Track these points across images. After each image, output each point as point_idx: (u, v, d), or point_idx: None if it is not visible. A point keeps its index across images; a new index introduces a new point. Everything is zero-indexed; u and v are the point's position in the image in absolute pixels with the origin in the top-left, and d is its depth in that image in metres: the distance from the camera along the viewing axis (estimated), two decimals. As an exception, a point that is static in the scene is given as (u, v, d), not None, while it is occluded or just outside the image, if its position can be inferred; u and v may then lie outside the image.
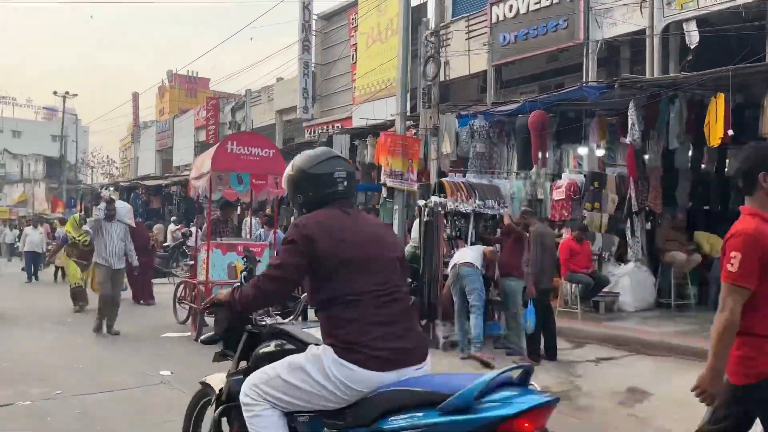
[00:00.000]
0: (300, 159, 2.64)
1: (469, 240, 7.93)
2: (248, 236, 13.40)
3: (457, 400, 2.03)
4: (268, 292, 2.48)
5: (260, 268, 3.03)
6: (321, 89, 23.18)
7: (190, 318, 9.04)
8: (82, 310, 10.77)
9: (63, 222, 20.90)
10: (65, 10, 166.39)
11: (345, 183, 2.56)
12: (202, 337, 3.22)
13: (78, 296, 10.98)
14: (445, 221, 7.80)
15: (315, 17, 22.87)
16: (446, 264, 7.65)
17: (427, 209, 7.70)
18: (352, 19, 21.43)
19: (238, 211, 15.85)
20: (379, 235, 2.59)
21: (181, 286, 9.50)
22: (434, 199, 7.61)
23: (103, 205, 8.64)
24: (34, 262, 16.81)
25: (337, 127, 20.19)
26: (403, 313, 2.45)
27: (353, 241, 2.43)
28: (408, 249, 9.30)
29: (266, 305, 2.83)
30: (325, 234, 2.41)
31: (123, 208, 8.88)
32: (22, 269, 17.37)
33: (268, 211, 15.73)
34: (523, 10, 15.09)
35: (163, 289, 12.07)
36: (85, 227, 9.29)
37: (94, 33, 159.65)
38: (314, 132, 22.14)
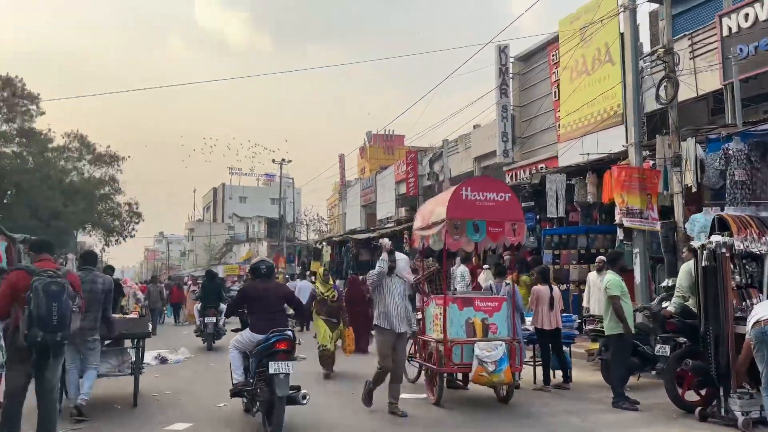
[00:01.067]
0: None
1: (766, 289, 6.20)
2: (465, 286, 12.68)
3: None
4: None
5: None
6: (521, 131, 22.20)
7: (422, 377, 8.41)
8: (329, 378, 9.54)
9: (291, 278, 22.27)
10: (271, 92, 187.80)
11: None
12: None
13: (326, 360, 9.56)
14: (732, 266, 6.20)
15: (512, 60, 22.14)
16: (738, 319, 6.03)
17: (705, 252, 6.19)
18: (553, 55, 20.32)
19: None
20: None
21: (410, 342, 8.92)
22: (716, 238, 6.08)
23: (385, 255, 6.95)
24: None
25: (542, 167, 18.94)
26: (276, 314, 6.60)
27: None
28: (675, 300, 7.72)
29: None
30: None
31: (402, 260, 7.23)
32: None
33: (475, 260, 14.90)
34: (763, 17, 12.78)
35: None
36: (369, 281, 7.17)
37: (306, 106, 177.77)
38: (515, 176, 21.09)
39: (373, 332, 7.85)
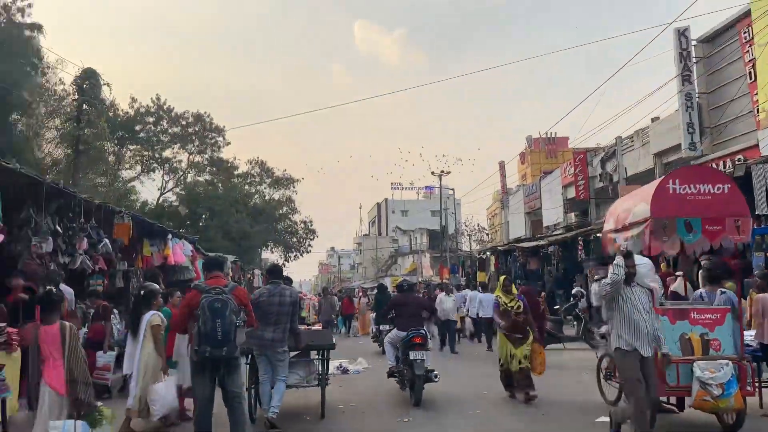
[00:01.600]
0: None
1: None
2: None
3: None
4: None
5: None
6: (709, 121, 19.66)
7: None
8: (531, 400, 8.03)
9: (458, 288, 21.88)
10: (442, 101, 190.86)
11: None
12: None
13: (514, 379, 8.18)
14: None
15: (694, 43, 19.76)
16: None
17: None
18: (744, 33, 17.75)
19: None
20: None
21: (605, 360, 7.94)
22: None
23: (620, 259, 5.65)
24: (448, 329, 15.26)
25: (740, 159, 16.47)
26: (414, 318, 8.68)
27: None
28: None
29: None
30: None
31: (644, 265, 6.16)
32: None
33: (664, 266, 13.19)
34: None
35: (556, 357, 10.78)
36: (602, 292, 5.81)
37: (462, 116, 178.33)
38: (707, 170, 18.62)
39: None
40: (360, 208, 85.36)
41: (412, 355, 8.27)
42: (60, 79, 25.74)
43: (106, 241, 11.25)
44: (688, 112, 19.70)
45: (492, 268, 28.62)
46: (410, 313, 8.90)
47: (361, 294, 31.71)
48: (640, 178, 21.59)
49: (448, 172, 46.16)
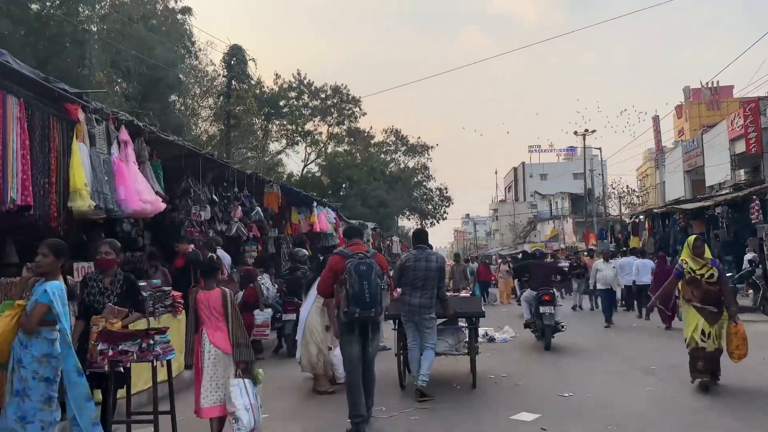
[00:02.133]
0: None
1: None
2: None
3: None
4: None
5: None
6: None
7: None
8: (703, 377, 6.70)
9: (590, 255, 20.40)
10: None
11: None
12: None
13: (697, 360, 6.68)
14: None
15: None
16: None
17: None
18: None
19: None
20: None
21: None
22: None
23: None
24: (610, 301, 13.67)
25: None
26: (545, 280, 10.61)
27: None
28: None
29: None
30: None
31: None
32: (591, 309, 16.94)
33: None
34: None
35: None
36: None
37: (605, 70, 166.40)
38: None
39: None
40: (495, 173, 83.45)
41: (542, 309, 10.02)
42: (210, 60, 27.59)
43: (258, 209, 11.72)
44: None
45: (646, 233, 26.36)
46: (541, 276, 10.80)
47: (500, 261, 30.85)
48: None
49: (593, 131, 42.90)
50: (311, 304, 7.23)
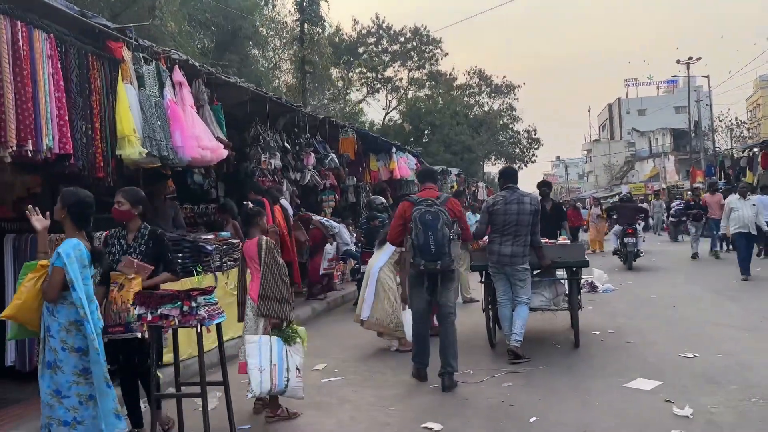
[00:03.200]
0: None
1: None
2: None
3: None
4: None
5: None
6: None
7: None
8: None
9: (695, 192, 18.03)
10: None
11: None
12: None
13: None
14: None
15: None
16: None
17: None
18: None
19: None
20: None
21: None
22: None
23: None
24: (748, 248, 10.70)
25: None
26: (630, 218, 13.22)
27: None
28: None
29: None
30: None
31: None
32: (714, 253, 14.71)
33: None
34: None
35: None
36: None
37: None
38: None
39: None
40: (588, 111, 78.05)
41: (625, 240, 12.96)
42: (289, 11, 26.87)
43: (333, 155, 10.99)
44: None
45: (760, 169, 23.45)
46: (626, 215, 13.48)
47: (592, 203, 28.62)
48: None
49: (698, 59, 38.54)
50: (386, 258, 6.47)
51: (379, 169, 14.36)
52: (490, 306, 6.34)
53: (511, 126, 40.52)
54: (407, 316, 6.09)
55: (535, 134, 41.07)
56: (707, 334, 6.59)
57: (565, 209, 10.01)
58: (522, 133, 40.84)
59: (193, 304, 3.60)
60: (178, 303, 3.59)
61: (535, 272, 6.16)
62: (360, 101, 37.57)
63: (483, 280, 6.37)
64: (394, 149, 14.60)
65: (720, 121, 44.79)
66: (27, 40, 4.41)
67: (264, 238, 4.37)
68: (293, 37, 22.22)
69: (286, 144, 9.91)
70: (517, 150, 40.87)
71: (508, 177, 6.07)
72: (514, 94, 39.66)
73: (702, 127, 39.61)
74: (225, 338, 4.17)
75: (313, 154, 10.33)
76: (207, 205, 9.53)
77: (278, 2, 26.16)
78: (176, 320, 3.60)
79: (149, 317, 3.63)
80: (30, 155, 4.39)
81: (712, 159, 32.86)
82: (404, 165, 15.05)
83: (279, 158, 9.23)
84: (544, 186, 9.17)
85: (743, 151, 27.82)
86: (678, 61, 39.08)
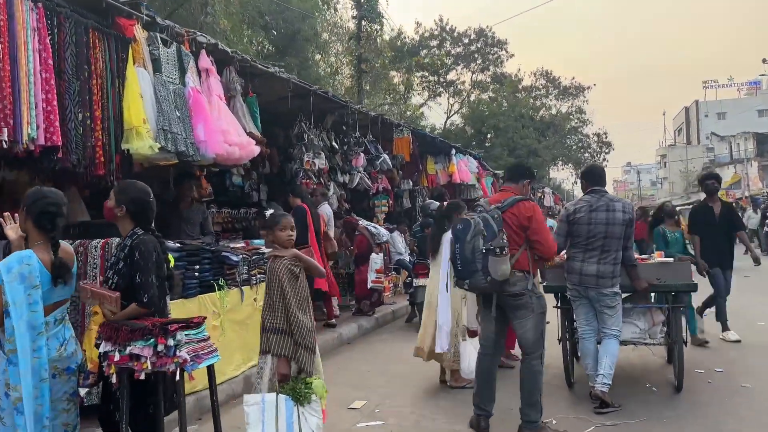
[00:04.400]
0: None
1: None
2: None
3: None
4: None
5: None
6: None
7: None
8: None
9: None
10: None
11: None
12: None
13: None
14: None
15: None
16: None
17: None
18: None
19: None
20: None
21: None
22: None
23: None
24: None
25: None
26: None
27: None
28: None
29: None
30: None
31: None
32: None
33: None
34: None
35: None
36: None
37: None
38: None
39: None
40: (663, 114, 73.76)
41: None
42: (351, 16, 26.14)
43: (385, 156, 10.00)
44: None
45: None
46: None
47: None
48: None
49: (788, 56, 35.18)
50: (445, 273, 5.10)
51: (437, 173, 13.27)
52: (567, 337, 5.13)
53: (580, 129, 38.38)
54: (467, 347, 5.00)
55: (606, 137, 38.75)
56: None
57: (677, 217, 7.12)
58: (592, 136, 38.63)
59: (171, 342, 2.64)
60: (151, 340, 2.65)
61: (624, 295, 4.91)
62: (421, 105, 36.52)
63: (559, 304, 5.16)
64: (453, 151, 13.46)
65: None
66: (5, 7, 3.64)
67: (276, 258, 3.31)
68: (350, 35, 21.43)
69: (333, 144, 9.01)
70: (587, 154, 38.65)
71: (595, 178, 4.84)
72: (584, 96, 37.54)
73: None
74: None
75: (363, 155, 9.38)
76: (248, 209, 8.75)
77: (340, 5, 25.55)
78: (149, 362, 2.65)
79: (117, 357, 2.71)
80: (5, 146, 3.61)
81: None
82: (465, 168, 13.88)
83: (324, 158, 8.31)
84: (711, 179, 6.75)
85: None
86: (764, 60, 35.99)
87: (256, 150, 5.90)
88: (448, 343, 5.05)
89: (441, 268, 5.18)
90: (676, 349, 4.87)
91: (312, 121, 8.17)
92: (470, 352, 4.90)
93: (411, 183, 12.15)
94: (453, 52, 35.67)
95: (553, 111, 37.71)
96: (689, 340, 5.74)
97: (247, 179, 8.52)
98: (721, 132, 52.55)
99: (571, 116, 37.52)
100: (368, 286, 8.19)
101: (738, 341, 6.63)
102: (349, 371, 5.93)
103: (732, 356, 6.08)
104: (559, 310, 5.14)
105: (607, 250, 4.56)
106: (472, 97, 36.29)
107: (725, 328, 6.78)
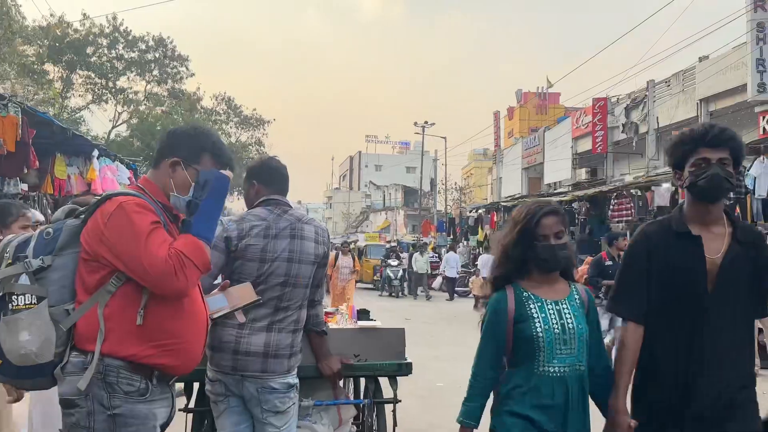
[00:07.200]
0: None
1: None
2: None
3: None
4: None
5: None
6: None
7: None
8: None
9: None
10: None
11: None
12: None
13: None
14: None
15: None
16: None
17: None
18: None
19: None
20: None
21: None
22: None
23: None
24: None
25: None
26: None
27: None
28: None
29: None
30: None
31: None
32: None
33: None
34: None
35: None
36: None
37: (443, 73, 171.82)
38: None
39: None
40: (332, 159, 79.51)
41: None
42: None
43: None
44: (760, 46, 15.53)
45: (488, 228, 24.52)
46: None
47: (335, 250, 26.81)
48: (677, 128, 17.57)
49: (432, 124, 41.07)
50: None
51: (71, 177, 9.74)
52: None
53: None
54: None
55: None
56: None
57: None
58: (268, 170, 38.10)
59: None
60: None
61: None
62: (81, 108, 30.62)
63: (188, 406, 2.80)
64: (96, 152, 10.05)
65: (443, 184, 48.53)
66: None
67: None
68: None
69: None
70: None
71: (274, 178, 2.73)
72: (264, 129, 36.87)
73: (436, 185, 42.13)
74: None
75: None
76: None
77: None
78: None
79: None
80: None
81: (443, 216, 34.35)
82: (111, 177, 10.59)
83: None
84: None
85: (470, 211, 29.39)
86: (415, 123, 41.13)
87: None
88: None
89: None
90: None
91: None
92: None
93: (20, 185, 8.37)
94: (126, 56, 31.03)
95: (233, 139, 35.98)
96: None
97: None
98: (377, 182, 58.80)
99: (250, 146, 36.36)
100: None
101: None
102: None
103: None
104: (187, 416, 2.76)
105: (286, 306, 2.45)
106: (142, 107, 32.00)
107: None
